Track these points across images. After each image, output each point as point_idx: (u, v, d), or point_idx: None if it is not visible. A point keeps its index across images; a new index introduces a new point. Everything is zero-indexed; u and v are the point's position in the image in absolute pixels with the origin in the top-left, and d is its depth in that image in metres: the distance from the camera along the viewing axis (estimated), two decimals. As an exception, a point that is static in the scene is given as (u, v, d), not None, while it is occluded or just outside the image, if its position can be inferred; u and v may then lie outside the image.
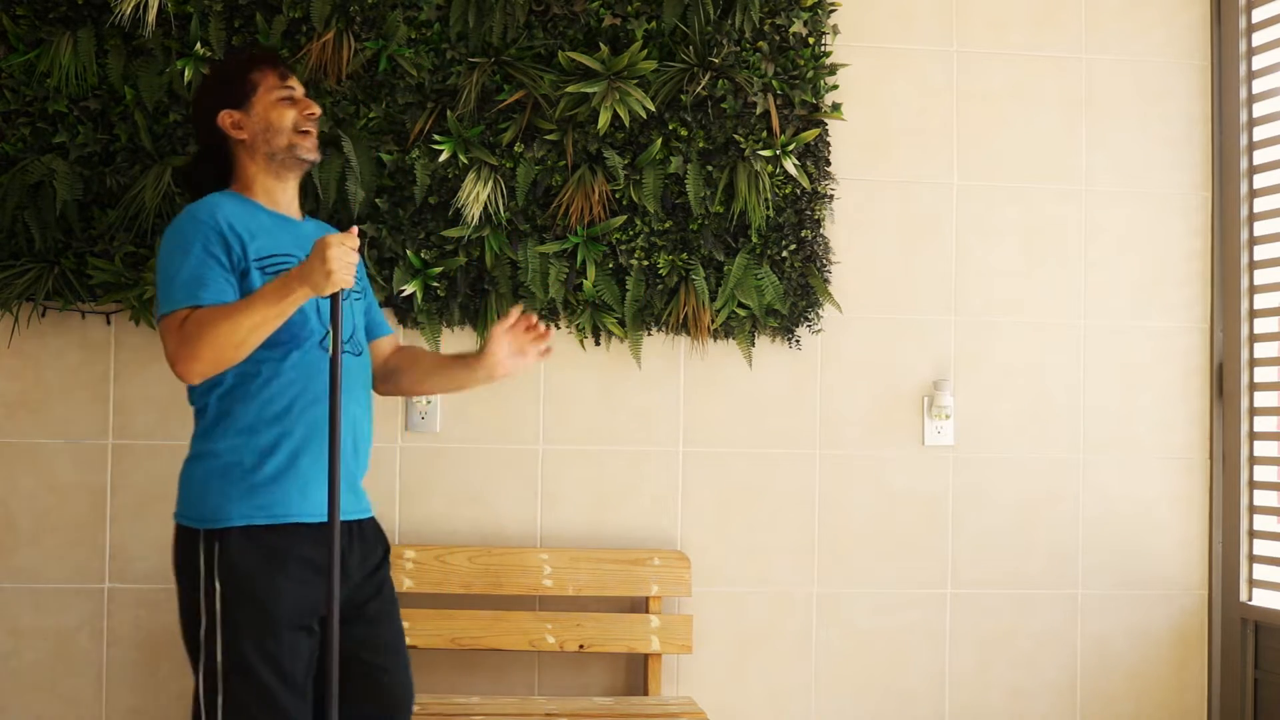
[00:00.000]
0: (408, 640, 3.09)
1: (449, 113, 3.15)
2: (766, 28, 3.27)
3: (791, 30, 3.28)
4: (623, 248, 3.23)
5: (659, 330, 3.30)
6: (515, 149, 3.19)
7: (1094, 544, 3.45)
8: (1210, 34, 3.52)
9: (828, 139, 3.32)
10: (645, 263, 3.24)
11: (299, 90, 2.52)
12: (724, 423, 3.34)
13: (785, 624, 3.35)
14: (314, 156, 2.51)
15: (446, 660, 3.23)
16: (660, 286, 3.26)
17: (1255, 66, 3.43)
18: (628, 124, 3.19)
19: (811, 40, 3.29)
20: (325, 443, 2.34)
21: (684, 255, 3.25)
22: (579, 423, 3.29)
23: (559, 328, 3.27)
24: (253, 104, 2.47)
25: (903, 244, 3.41)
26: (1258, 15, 3.42)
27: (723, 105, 3.23)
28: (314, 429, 2.35)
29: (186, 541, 2.33)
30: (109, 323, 3.13)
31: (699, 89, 3.21)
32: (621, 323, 3.26)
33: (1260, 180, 3.41)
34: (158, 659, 3.15)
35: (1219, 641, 3.45)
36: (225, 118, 2.47)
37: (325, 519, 2.31)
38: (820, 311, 3.34)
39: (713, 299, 3.26)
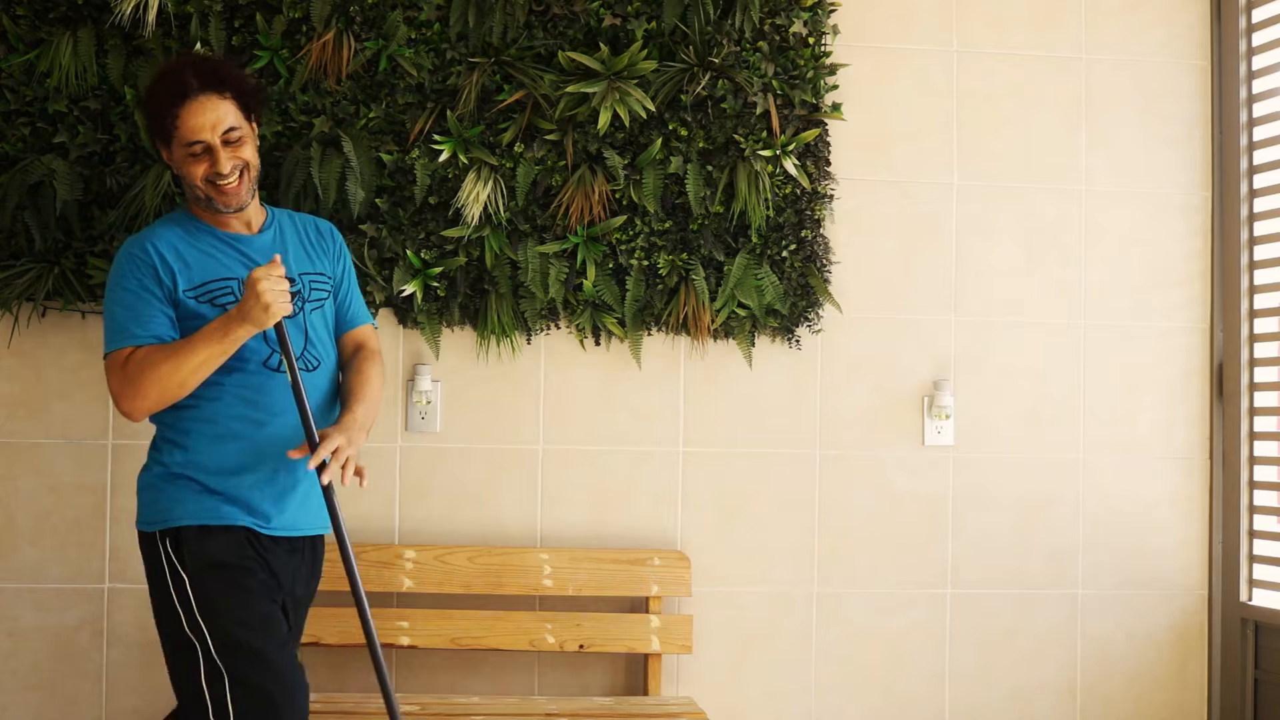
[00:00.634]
0: (409, 640, 3.13)
1: (449, 113, 3.15)
2: (766, 28, 3.27)
3: (791, 30, 3.29)
4: (623, 248, 3.23)
5: (659, 330, 3.30)
6: (515, 149, 3.18)
7: (1094, 544, 3.45)
8: (1210, 34, 3.52)
9: (828, 139, 3.32)
10: (645, 263, 3.24)
11: (214, 138, 2.35)
12: (724, 423, 3.34)
13: (785, 624, 3.35)
14: (233, 206, 2.40)
15: (446, 660, 3.23)
16: (660, 286, 3.26)
17: (1255, 66, 3.43)
18: (628, 124, 3.19)
19: (811, 40, 3.29)
20: (274, 461, 2.36)
21: (684, 255, 3.25)
22: (579, 423, 3.29)
23: (559, 328, 3.28)
24: (171, 146, 2.39)
25: (903, 244, 3.41)
26: (1258, 15, 3.42)
27: (723, 105, 3.23)
28: (260, 448, 2.36)
29: (148, 547, 2.38)
30: (109, 323, 3.13)
31: (699, 89, 3.20)
32: (621, 323, 3.26)
33: (1260, 180, 3.41)
34: (158, 659, 3.11)
35: (1219, 641, 3.45)
36: (157, 144, 2.44)
37: (268, 532, 2.37)
38: (820, 311, 3.34)
39: (713, 299, 3.26)
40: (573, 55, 3.15)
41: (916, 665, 3.39)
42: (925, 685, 3.39)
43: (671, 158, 3.22)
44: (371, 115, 3.13)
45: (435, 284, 3.17)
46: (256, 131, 2.47)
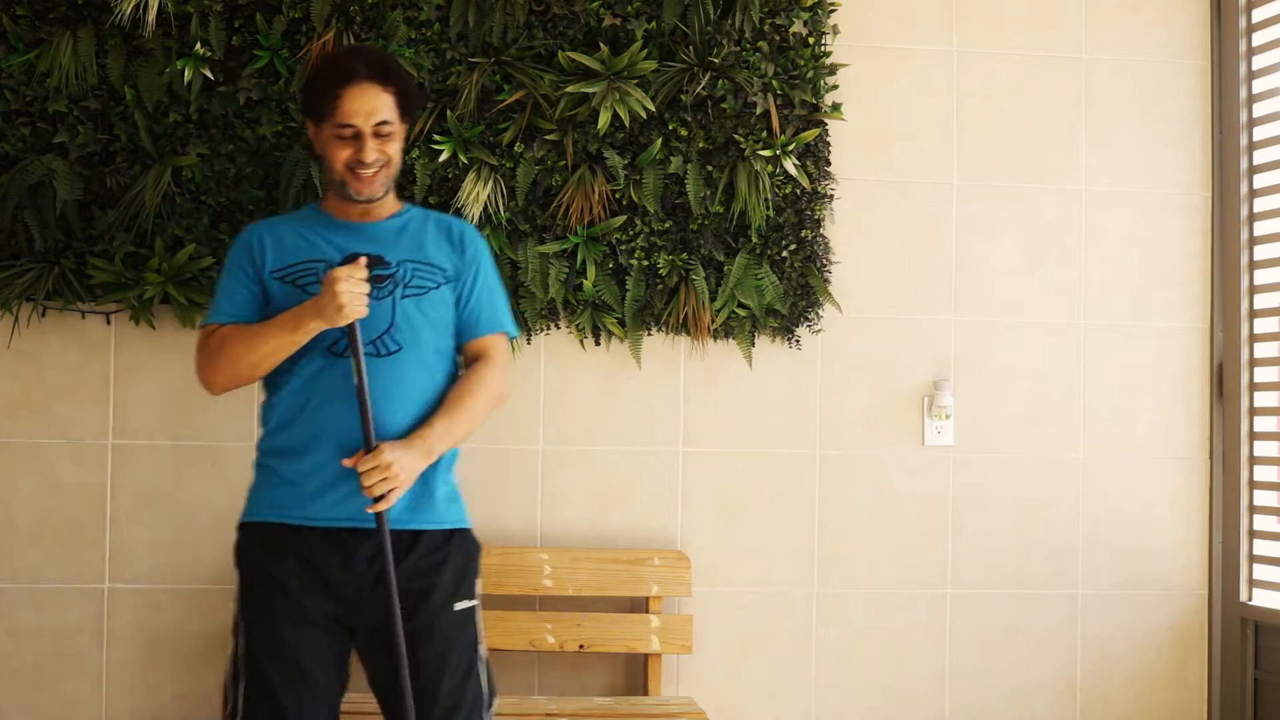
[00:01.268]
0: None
1: (449, 113, 3.15)
2: (766, 28, 3.27)
3: (791, 30, 3.29)
4: (623, 248, 3.23)
5: (659, 330, 3.30)
6: (515, 149, 3.19)
7: (1094, 544, 3.45)
8: (1210, 34, 3.52)
9: (828, 139, 3.32)
10: (645, 263, 3.24)
11: (366, 126, 2.38)
12: (724, 423, 3.34)
13: (785, 624, 3.35)
14: (364, 195, 2.42)
15: (446, 660, 3.22)
16: (660, 286, 3.26)
17: (1255, 66, 3.44)
18: (628, 124, 3.19)
19: (811, 40, 3.29)
20: (335, 446, 2.34)
21: (684, 255, 3.25)
22: (579, 423, 3.29)
23: (559, 328, 3.28)
24: (322, 126, 2.42)
25: (902, 244, 3.41)
26: (1258, 15, 3.42)
27: (723, 105, 3.23)
28: (320, 433, 2.35)
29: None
30: (109, 323, 3.13)
31: (699, 89, 3.21)
32: (621, 323, 3.26)
33: (1260, 180, 3.42)
34: (158, 659, 3.14)
35: (1219, 641, 3.45)
36: (308, 124, 2.50)
37: (323, 524, 2.34)
38: (820, 311, 3.34)
39: (713, 299, 3.26)
40: (573, 55, 3.15)
41: (916, 665, 3.39)
42: (925, 685, 3.39)
43: (671, 158, 3.22)
44: (371, 115, 3.13)
45: (435, 284, 3.17)
46: (405, 133, 2.49)
